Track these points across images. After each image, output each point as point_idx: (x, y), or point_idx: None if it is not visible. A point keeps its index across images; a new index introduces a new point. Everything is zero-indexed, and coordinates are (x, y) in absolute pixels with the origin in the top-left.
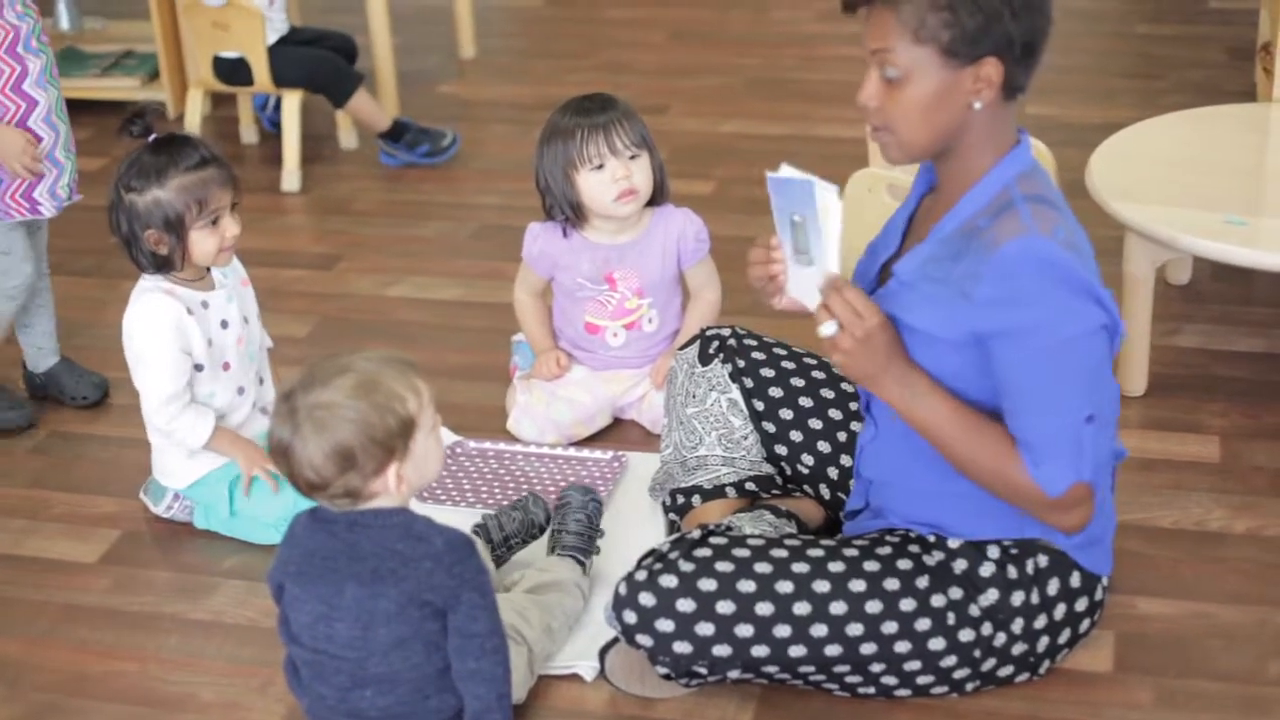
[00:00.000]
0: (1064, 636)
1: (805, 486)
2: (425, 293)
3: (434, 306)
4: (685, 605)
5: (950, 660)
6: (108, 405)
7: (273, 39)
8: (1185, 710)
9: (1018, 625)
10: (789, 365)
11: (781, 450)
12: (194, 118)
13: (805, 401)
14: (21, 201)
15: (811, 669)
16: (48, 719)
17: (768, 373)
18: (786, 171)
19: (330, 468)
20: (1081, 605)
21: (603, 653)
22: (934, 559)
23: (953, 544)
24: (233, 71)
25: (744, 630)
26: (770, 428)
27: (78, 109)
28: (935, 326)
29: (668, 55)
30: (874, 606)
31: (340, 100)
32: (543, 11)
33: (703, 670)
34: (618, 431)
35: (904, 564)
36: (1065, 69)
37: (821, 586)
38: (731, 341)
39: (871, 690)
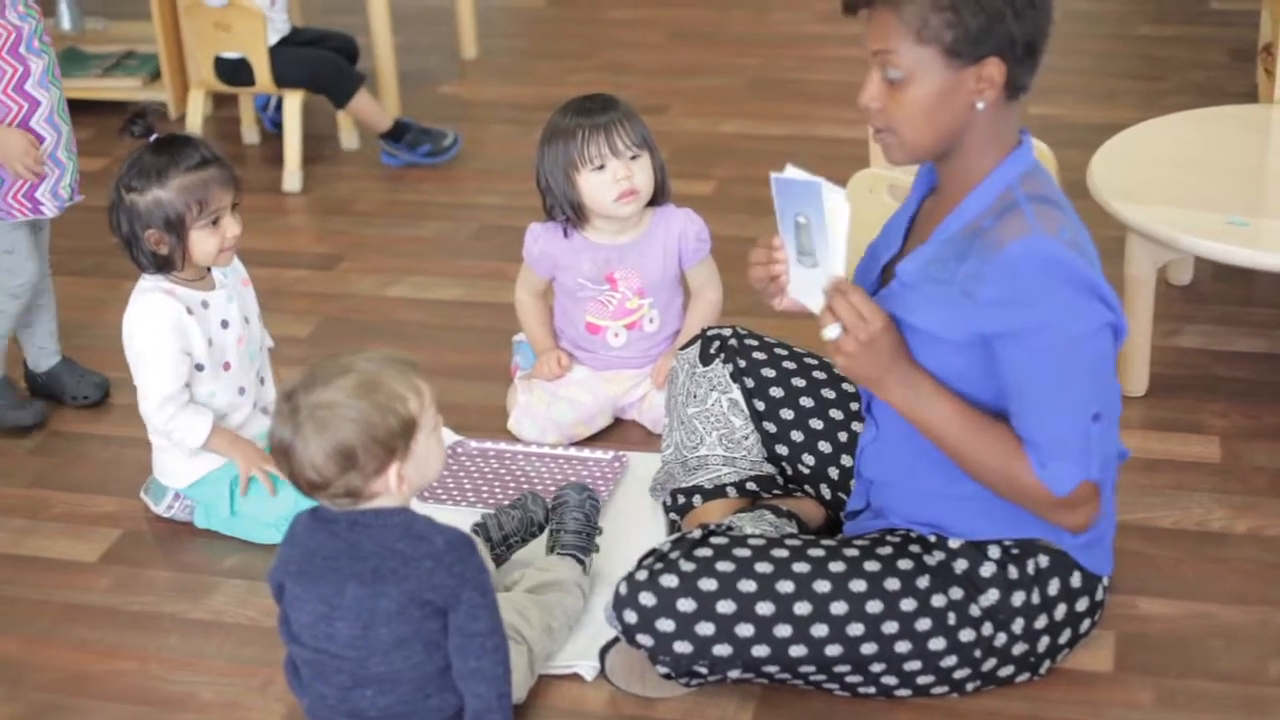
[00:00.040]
0: (1065, 636)
1: (806, 486)
2: (426, 293)
3: (435, 306)
4: (686, 605)
5: (951, 660)
6: (108, 405)
7: (274, 39)
8: (1186, 710)
9: (1018, 625)
10: (790, 365)
11: (782, 450)
12: (195, 118)
13: (806, 401)
14: (24, 201)
15: (812, 669)
16: (48, 718)
17: (769, 373)
18: (792, 172)
19: (331, 467)
20: (1082, 605)
21: (603, 652)
22: (935, 559)
23: (953, 544)
24: (234, 72)
25: (744, 630)
26: (771, 428)
27: (79, 109)
28: (939, 327)
29: (668, 56)
30: (875, 606)
31: (341, 100)
32: (544, 12)
33: (703, 670)
34: (618, 431)
35: (905, 564)
36: (1067, 70)
37: (822, 586)
38: (733, 341)
39: (872, 690)
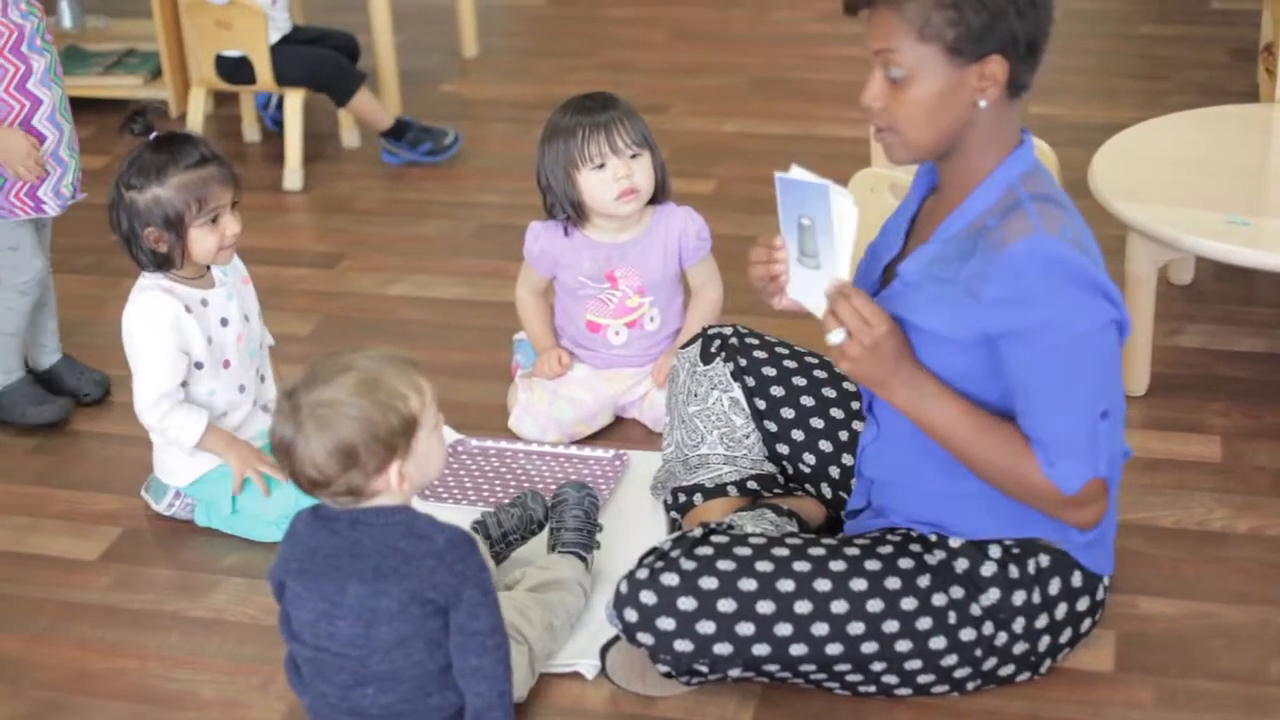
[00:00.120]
0: (1065, 636)
1: (807, 485)
2: (427, 291)
3: (436, 305)
4: (686, 603)
5: (951, 659)
6: (109, 403)
7: (275, 38)
8: (1187, 710)
9: (1019, 624)
10: (791, 364)
11: (783, 449)
12: (196, 116)
13: (807, 400)
14: (26, 200)
15: (812, 668)
16: (49, 717)
17: (769, 371)
18: (797, 173)
19: (333, 465)
20: (1083, 605)
21: (604, 651)
22: (935, 558)
23: (954, 543)
24: (235, 70)
25: (745, 629)
26: (772, 426)
27: (80, 107)
28: (942, 327)
29: (669, 54)
30: (875, 605)
31: (342, 99)
32: (545, 10)
33: (703, 669)
34: (619, 430)
35: (905, 563)
36: (1068, 69)
37: (823, 585)
38: (733, 340)
39: (872, 689)
